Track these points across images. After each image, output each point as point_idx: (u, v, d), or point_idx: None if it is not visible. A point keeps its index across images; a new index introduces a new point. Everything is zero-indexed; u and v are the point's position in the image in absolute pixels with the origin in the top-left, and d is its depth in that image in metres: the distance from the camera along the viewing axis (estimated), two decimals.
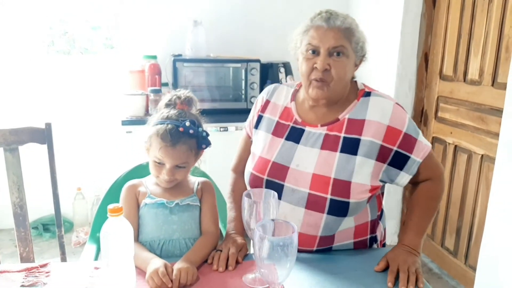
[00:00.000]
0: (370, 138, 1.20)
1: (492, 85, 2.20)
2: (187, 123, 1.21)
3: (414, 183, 1.29)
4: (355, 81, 1.33)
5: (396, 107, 1.24)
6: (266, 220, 0.96)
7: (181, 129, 1.20)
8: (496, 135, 2.03)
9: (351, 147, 1.20)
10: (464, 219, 2.43)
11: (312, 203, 1.20)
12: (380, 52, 2.90)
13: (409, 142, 1.21)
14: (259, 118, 1.37)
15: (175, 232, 1.26)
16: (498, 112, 2.09)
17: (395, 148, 1.20)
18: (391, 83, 2.78)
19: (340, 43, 1.18)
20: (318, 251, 1.26)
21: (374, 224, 1.34)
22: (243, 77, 2.87)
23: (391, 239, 2.92)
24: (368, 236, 1.33)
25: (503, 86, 2.06)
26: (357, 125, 1.22)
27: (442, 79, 2.60)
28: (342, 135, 1.22)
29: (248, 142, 1.42)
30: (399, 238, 1.26)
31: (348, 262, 1.21)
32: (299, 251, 1.22)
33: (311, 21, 1.22)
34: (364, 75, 3.09)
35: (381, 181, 1.24)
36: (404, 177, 1.24)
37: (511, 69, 1.77)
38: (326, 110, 1.27)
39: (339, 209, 1.19)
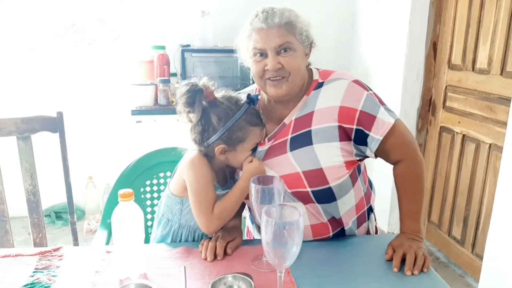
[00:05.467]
0: (322, 125, 1.20)
1: (501, 74, 2.19)
2: (255, 93, 1.25)
3: (391, 163, 1.29)
4: (311, 69, 1.30)
5: (351, 86, 1.23)
6: (272, 205, 0.98)
7: (257, 106, 1.24)
8: (505, 124, 2.02)
9: (302, 141, 1.21)
10: (472, 208, 2.44)
11: (301, 198, 1.21)
12: (388, 41, 2.89)
13: (367, 119, 1.20)
14: None
15: None
16: (507, 101, 2.08)
17: (354, 127, 1.20)
18: (399, 72, 2.77)
19: (284, 40, 1.17)
20: (334, 235, 1.28)
21: (368, 195, 1.35)
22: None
23: (398, 228, 2.92)
24: (366, 208, 1.34)
25: None
26: (305, 119, 1.22)
27: (451, 68, 2.58)
28: (289, 137, 1.23)
29: None
30: (399, 227, 1.27)
31: (353, 249, 1.23)
32: (318, 240, 1.25)
33: (250, 24, 1.20)
34: (372, 64, 3.10)
35: (357, 155, 1.24)
36: (368, 152, 1.24)
37: None
38: (283, 109, 1.26)
39: (325, 196, 1.21)
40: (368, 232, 1.38)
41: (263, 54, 1.19)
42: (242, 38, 1.24)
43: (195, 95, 1.16)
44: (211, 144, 1.19)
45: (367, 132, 1.20)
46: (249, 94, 1.22)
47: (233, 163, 1.24)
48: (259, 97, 1.23)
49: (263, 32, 1.17)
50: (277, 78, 1.19)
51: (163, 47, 2.94)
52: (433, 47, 2.70)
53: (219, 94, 1.23)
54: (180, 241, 1.27)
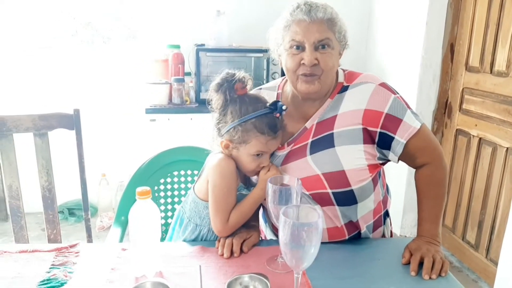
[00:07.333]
0: (345, 128, 1.19)
1: None
2: (284, 107, 1.16)
3: (414, 167, 1.26)
4: (337, 71, 1.28)
5: (378, 89, 1.20)
6: (290, 206, 0.97)
7: (277, 115, 1.16)
8: None
9: (323, 144, 1.19)
10: (487, 213, 2.40)
11: (320, 200, 1.19)
12: (404, 41, 2.86)
13: (392, 122, 1.18)
14: None
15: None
16: None
17: (379, 130, 1.18)
18: (415, 74, 2.74)
19: (325, 36, 1.15)
20: (349, 238, 1.26)
21: (385, 199, 1.33)
22: (265, 67, 2.87)
23: (411, 231, 2.90)
24: (382, 212, 1.32)
25: None
26: (327, 123, 1.21)
27: (468, 70, 2.55)
28: (309, 141, 1.21)
29: None
30: (417, 230, 1.25)
31: (370, 251, 1.21)
32: (333, 243, 1.23)
33: (291, 15, 1.17)
34: (388, 65, 3.07)
35: (379, 158, 1.22)
36: (391, 156, 1.22)
37: None
38: (309, 107, 1.24)
39: (346, 198, 1.18)
40: (383, 237, 1.36)
41: (299, 47, 1.16)
42: (277, 28, 1.22)
43: (225, 85, 1.16)
44: (223, 136, 1.19)
45: (392, 135, 1.19)
46: (276, 101, 1.18)
47: (238, 164, 1.21)
48: (284, 107, 1.17)
49: (304, 25, 1.15)
50: (310, 75, 1.16)
51: (178, 46, 2.95)
52: (450, 49, 2.67)
53: (250, 91, 1.21)
54: None
